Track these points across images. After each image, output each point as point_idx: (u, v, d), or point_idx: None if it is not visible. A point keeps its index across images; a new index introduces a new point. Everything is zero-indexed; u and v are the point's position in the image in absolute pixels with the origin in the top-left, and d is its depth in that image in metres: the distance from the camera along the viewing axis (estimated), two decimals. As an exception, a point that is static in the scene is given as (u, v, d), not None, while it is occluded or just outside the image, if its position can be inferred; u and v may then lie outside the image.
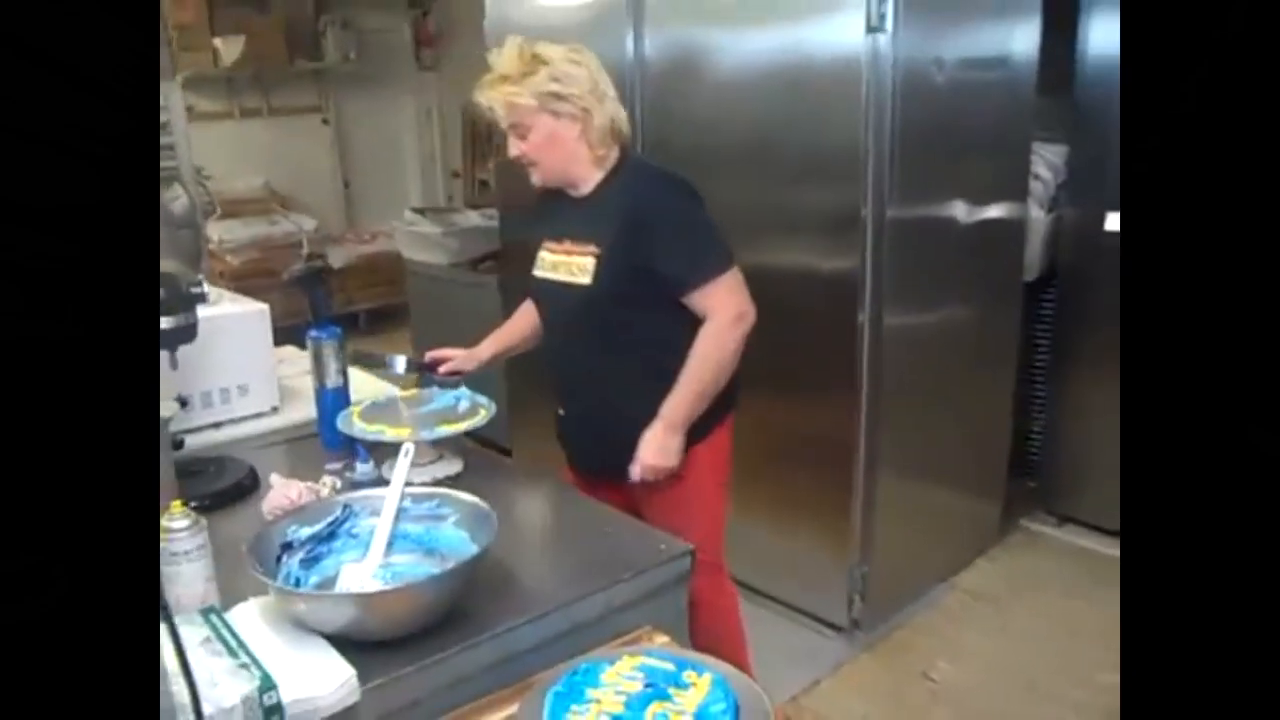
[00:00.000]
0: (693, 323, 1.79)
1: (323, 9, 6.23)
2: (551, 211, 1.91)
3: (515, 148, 1.81)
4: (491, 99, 1.78)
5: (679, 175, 1.85)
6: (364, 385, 2.08)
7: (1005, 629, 2.76)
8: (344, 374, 1.87)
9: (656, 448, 1.79)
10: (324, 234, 6.03)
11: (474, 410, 1.74)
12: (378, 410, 1.78)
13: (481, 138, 6.48)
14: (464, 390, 1.81)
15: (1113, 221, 2.95)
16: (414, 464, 1.45)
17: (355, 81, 6.52)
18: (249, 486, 1.72)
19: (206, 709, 1.01)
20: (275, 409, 2.07)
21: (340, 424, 1.74)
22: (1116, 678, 2.33)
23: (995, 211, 2.87)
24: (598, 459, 1.92)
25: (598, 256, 1.76)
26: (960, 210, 2.73)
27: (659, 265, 1.74)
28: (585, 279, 1.77)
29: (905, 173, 2.46)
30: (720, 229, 1.80)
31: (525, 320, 2.08)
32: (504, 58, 1.77)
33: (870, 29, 2.29)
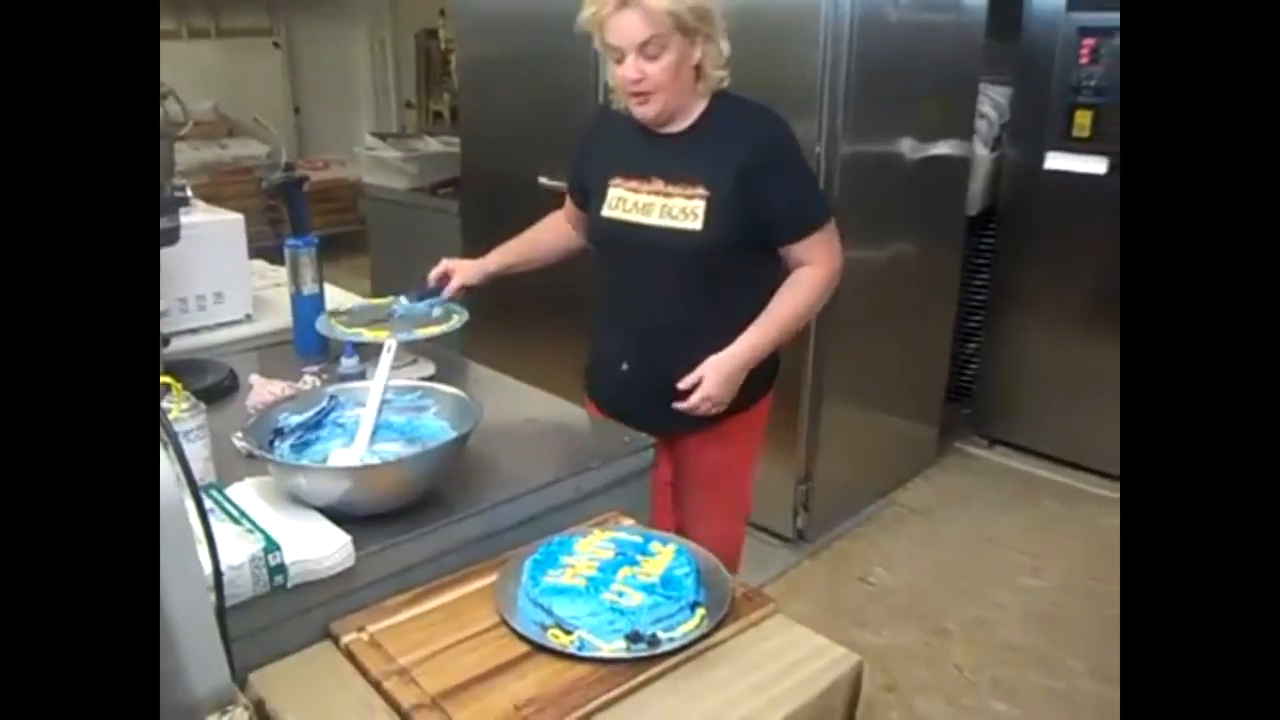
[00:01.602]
0: (779, 277, 1.70)
1: (275, -72, 6.10)
2: (622, 144, 1.72)
3: (636, 69, 1.57)
4: (631, 8, 1.53)
5: (776, 112, 1.70)
6: (337, 295, 2.16)
7: (936, 539, 2.97)
8: (319, 282, 1.94)
9: (725, 378, 1.64)
10: (275, 160, 5.97)
11: (447, 316, 1.82)
12: (354, 315, 1.85)
13: (435, 68, 6.44)
14: (436, 298, 1.89)
15: (1052, 160, 3.11)
16: (391, 367, 1.53)
17: (307, 5, 6.41)
18: (229, 387, 1.79)
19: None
20: (249, 317, 2.14)
21: (320, 327, 1.81)
22: (1035, 581, 2.55)
23: (942, 149, 3.00)
24: (657, 417, 1.70)
25: (708, 199, 1.61)
26: (909, 147, 2.85)
27: (770, 209, 1.63)
28: (693, 224, 1.61)
29: (859, 110, 2.56)
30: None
31: (544, 238, 1.94)
32: None
33: (830, -36, 2.38)
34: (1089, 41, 2.93)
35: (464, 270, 1.86)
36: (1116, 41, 2.90)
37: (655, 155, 1.68)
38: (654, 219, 1.65)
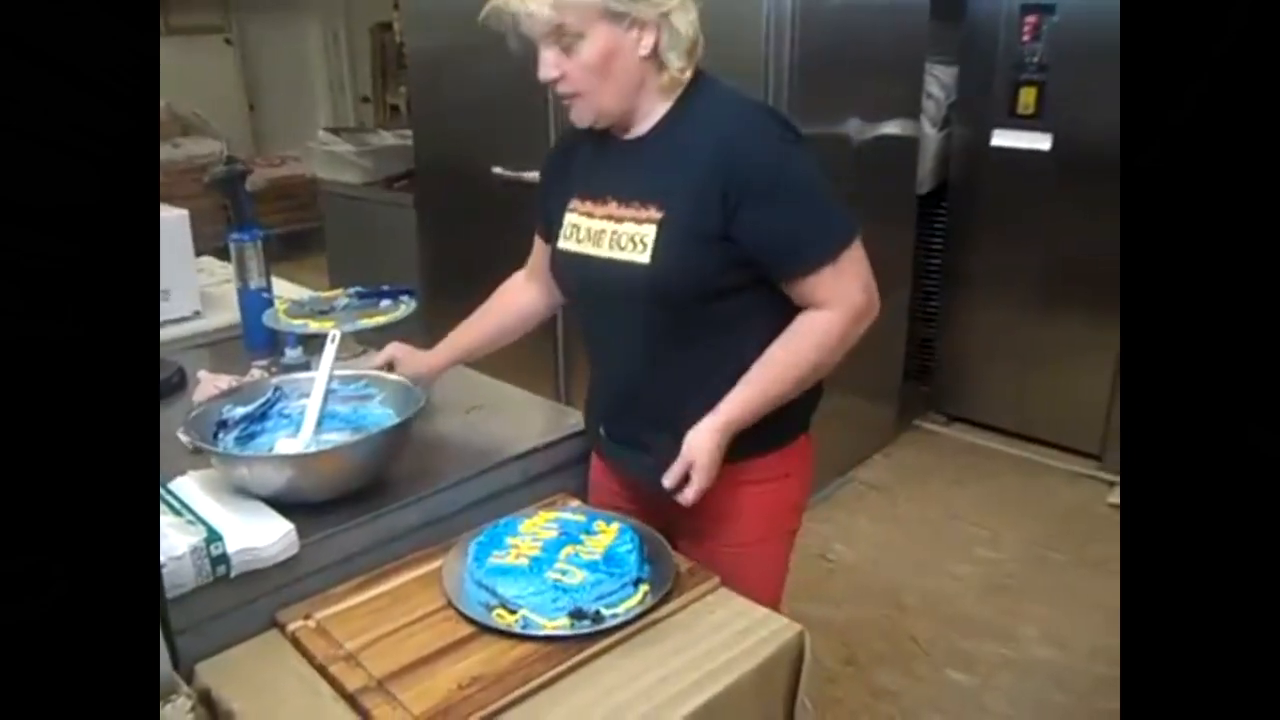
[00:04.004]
0: (789, 311, 1.33)
1: (223, -77, 6.04)
2: (583, 158, 1.41)
3: (552, 68, 1.26)
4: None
5: (774, 109, 1.35)
6: (286, 288, 2.15)
7: (895, 515, 3.01)
8: (266, 275, 1.93)
9: (713, 457, 1.29)
10: (227, 152, 5.91)
11: (395, 305, 1.83)
12: (301, 307, 1.85)
13: (391, 62, 6.40)
14: (385, 287, 1.89)
15: (998, 138, 3.16)
16: (338, 358, 1.53)
17: (259, 0, 6.35)
18: (177, 384, 1.79)
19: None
20: (197, 313, 2.13)
21: (266, 320, 1.81)
22: (991, 553, 2.58)
23: (890, 129, 3.04)
24: (643, 484, 1.39)
25: (660, 223, 1.27)
26: (856, 128, 2.88)
27: (752, 240, 1.26)
28: (642, 256, 1.27)
29: (805, 92, 2.58)
30: (834, 184, 1.31)
31: (505, 319, 1.62)
32: None
33: (770, -50, 2.40)
34: (1030, 19, 2.98)
35: (408, 365, 1.56)
36: (1057, 18, 2.95)
37: (609, 168, 1.36)
38: (603, 250, 1.32)
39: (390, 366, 1.55)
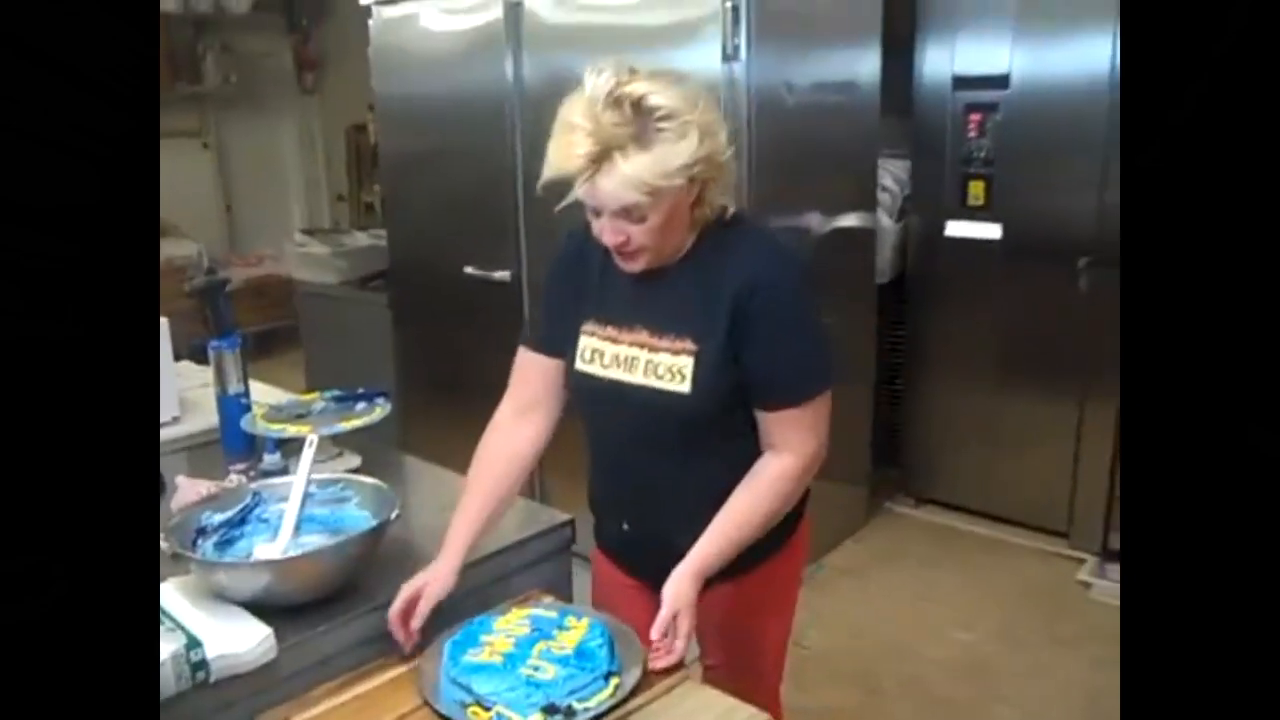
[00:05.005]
0: None
1: (202, 32, 6.21)
2: (592, 275, 1.45)
3: (617, 234, 1.30)
4: (607, 185, 1.23)
5: (791, 248, 1.46)
6: (264, 391, 2.20)
7: (868, 599, 3.03)
8: (244, 380, 1.98)
9: (693, 605, 1.34)
10: (207, 260, 5.99)
11: (371, 408, 1.87)
12: (279, 411, 1.89)
13: (365, 162, 6.55)
14: (360, 390, 1.94)
15: (952, 228, 3.29)
16: (315, 460, 1.57)
17: (236, 105, 6.50)
18: (156, 489, 1.82)
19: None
20: (176, 419, 2.16)
21: (244, 425, 1.85)
22: (966, 634, 2.60)
23: (848, 221, 3.16)
24: (663, 574, 1.39)
25: (696, 355, 1.35)
26: (815, 221, 3.00)
27: (747, 365, 1.35)
28: (681, 385, 1.35)
29: (764, 188, 2.69)
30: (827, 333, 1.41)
31: (502, 479, 1.51)
32: (602, 117, 1.23)
33: (726, 58, 2.54)
34: (975, 117, 3.14)
35: (432, 586, 1.39)
36: (1000, 116, 3.12)
37: (634, 295, 1.40)
38: (638, 377, 1.39)
39: (413, 605, 1.37)
